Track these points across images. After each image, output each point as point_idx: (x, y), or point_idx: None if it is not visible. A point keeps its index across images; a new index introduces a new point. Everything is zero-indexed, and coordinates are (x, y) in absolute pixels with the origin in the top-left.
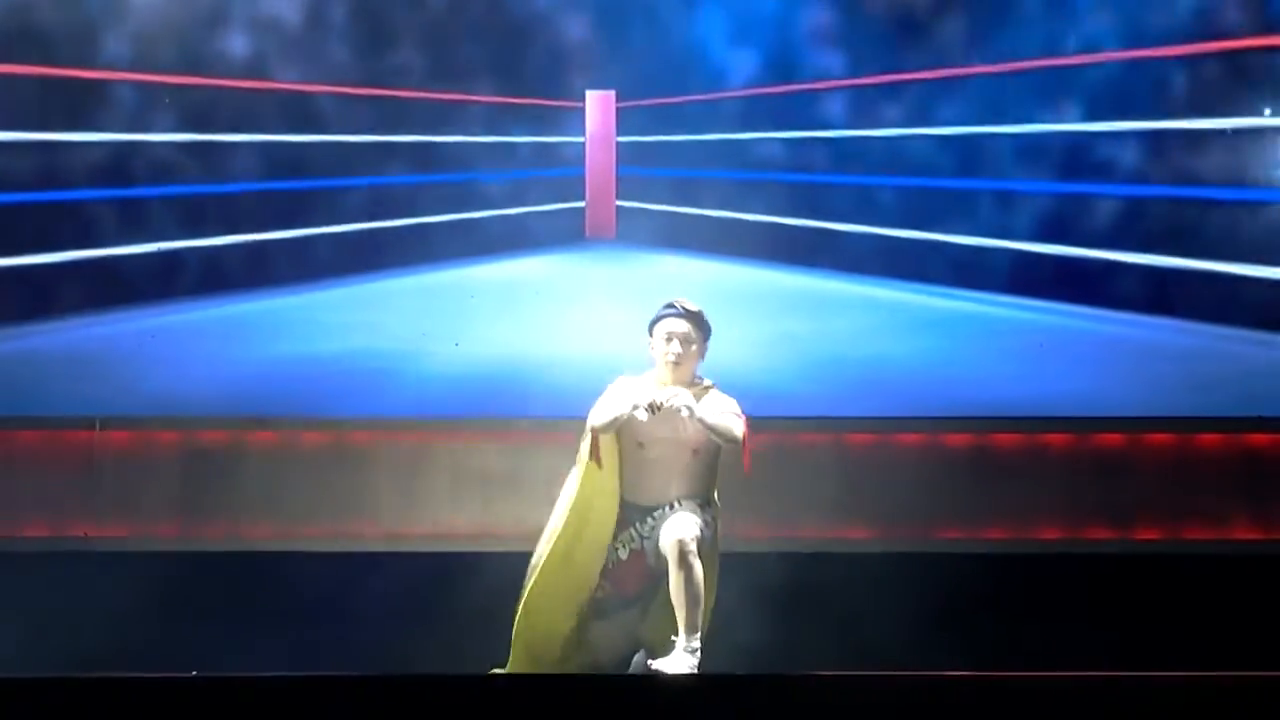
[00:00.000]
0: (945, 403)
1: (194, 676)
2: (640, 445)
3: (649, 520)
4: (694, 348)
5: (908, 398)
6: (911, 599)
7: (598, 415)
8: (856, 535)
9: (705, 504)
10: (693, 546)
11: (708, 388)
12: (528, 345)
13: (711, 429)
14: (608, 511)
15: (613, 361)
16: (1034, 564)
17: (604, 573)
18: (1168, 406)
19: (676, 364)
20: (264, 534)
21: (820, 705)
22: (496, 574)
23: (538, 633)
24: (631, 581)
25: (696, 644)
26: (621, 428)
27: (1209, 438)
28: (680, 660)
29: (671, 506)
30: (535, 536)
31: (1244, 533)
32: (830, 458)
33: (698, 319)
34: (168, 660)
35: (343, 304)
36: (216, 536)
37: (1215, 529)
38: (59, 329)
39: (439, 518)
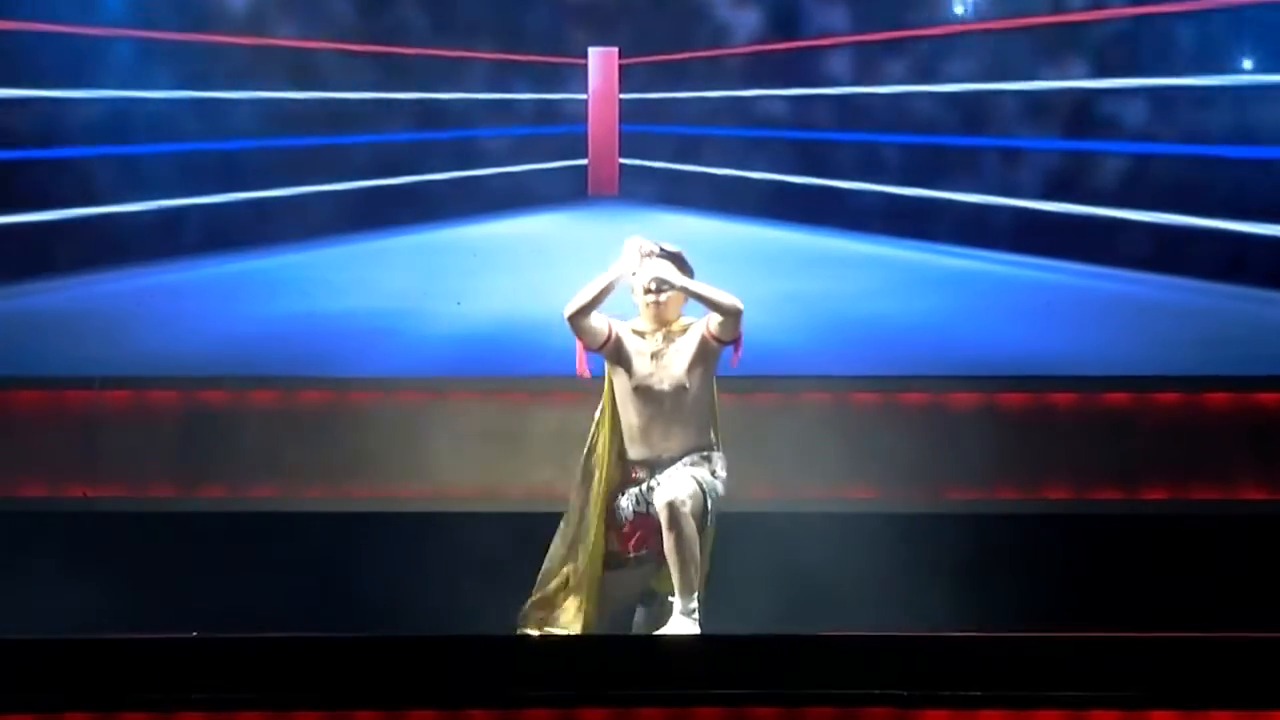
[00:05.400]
0: (951, 362)
1: (194, 637)
2: (634, 390)
3: (654, 479)
4: (672, 291)
5: (913, 357)
6: (916, 560)
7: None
8: (861, 495)
9: (706, 455)
10: (685, 508)
11: (689, 325)
12: (529, 303)
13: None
14: (610, 465)
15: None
16: (1040, 524)
17: (611, 526)
18: (1175, 365)
19: (659, 304)
20: (264, 494)
21: (823, 665)
22: (497, 534)
23: (554, 584)
24: (641, 539)
25: (694, 605)
26: (614, 371)
27: (1217, 397)
28: (680, 623)
29: (671, 464)
30: (536, 496)
31: (1251, 492)
32: (835, 417)
33: (678, 260)
34: (168, 621)
35: (344, 262)
36: (216, 496)
37: (1223, 488)
38: (58, 288)
39: (440, 477)
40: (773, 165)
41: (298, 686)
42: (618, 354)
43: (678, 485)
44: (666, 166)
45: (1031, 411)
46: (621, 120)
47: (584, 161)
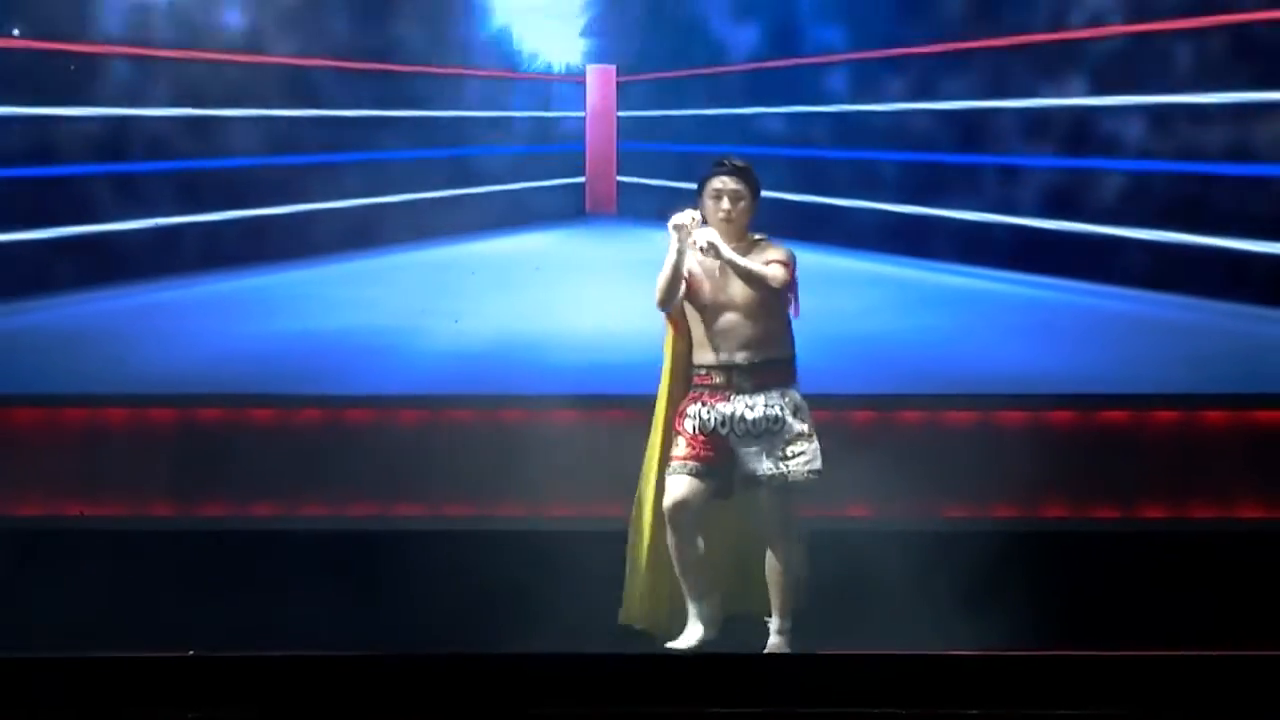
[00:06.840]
0: (948, 380)
1: (191, 656)
2: (706, 305)
3: (735, 410)
4: (744, 204)
5: (910, 374)
6: (913, 578)
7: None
8: (857, 514)
9: (790, 382)
10: (798, 528)
11: (757, 240)
12: (528, 322)
13: (741, 270)
14: (678, 374)
15: (614, 338)
16: (1038, 542)
17: (679, 432)
18: (1173, 383)
19: (727, 220)
20: (262, 511)
21: (818, 684)
22: (494, 552)
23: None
24: (714, 453)
25: (790, 624)
26: (686, 292)
27: (1214, 415)
28: (777, 643)
29: (771, 418)
30: (534, 514)
31: (1249, 511)
32: (831, 435)
33: (747, 174)
34: (164, 640)
35: (341, 280)
36: (213, 514)
37: (1221, 506)
38: (55, 306)
39: (437, 496)
40: (770, 182)
41: (295, 705)
42: (690, 279)
43: (783, 513)
44: (665, 184)
45: (1029, 429)
46: (619, 138)
47: (581, 179)
